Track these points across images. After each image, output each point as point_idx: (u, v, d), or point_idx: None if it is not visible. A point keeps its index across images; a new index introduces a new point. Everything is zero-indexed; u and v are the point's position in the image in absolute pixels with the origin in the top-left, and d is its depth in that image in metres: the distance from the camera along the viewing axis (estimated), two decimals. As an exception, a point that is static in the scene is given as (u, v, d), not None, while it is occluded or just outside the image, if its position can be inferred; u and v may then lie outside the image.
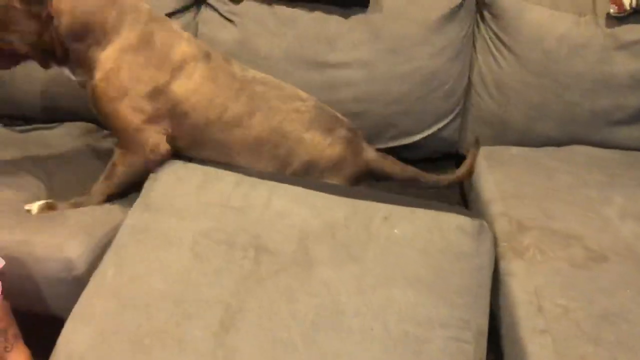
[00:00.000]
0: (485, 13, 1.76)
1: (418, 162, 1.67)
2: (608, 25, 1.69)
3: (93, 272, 1.25)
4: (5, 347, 1.16)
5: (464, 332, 1.13)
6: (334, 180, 1.46)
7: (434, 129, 1.80)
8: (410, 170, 1.57)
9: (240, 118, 1.40)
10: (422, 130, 1.80)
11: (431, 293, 1.17)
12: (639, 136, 1.72)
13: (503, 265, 1.28)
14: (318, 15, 1.73)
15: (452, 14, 1.71)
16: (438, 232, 1.26)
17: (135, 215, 1.32)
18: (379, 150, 1.58)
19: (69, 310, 1.18)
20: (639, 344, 1.06)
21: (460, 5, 1.71)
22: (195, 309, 1.14)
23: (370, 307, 1.14)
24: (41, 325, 1.22)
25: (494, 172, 1.58)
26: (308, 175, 1.45)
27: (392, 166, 1.55)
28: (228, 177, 1.36)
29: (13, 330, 1.17)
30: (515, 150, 1.70)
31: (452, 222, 1.27)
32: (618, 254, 1.28)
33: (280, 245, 1.24)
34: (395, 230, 1.26)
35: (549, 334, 1.09)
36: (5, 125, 1.80)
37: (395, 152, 1.67)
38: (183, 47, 1.38)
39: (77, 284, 1.25)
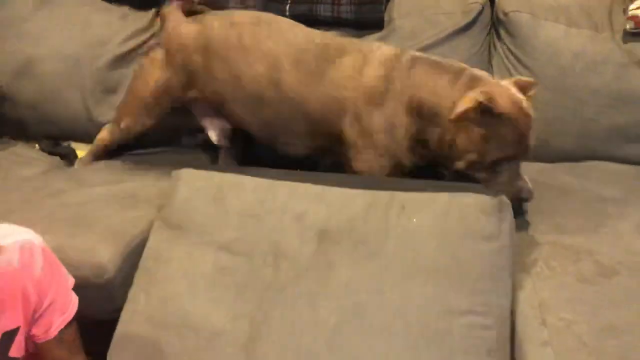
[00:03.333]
0: (501, 30, 1.78)
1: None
2: (625, 41, 1.69)
3: (122, 275, 1.33)
4: None
5: (486, 318, 1.15)
6: None
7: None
8: None
9: None
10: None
11: (451, 282, 1.17)
12: (657, 152, 1.70)
13: (514, 281, 1.27)
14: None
15: (464, 31, 1.74)
16: (456, 216, 1.24)
17: (157, 235, 1.36)
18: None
19: (99, 313, 1.26)
20: None
21: (473, 23, 1.74)
22: (222, 324, 1.19)
23: (391, 304, 1.17)
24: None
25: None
26: None
27: None
28: (244, 183, 1.37)
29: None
30: (531, 166, 1.70)
31: (471, 204, 1.25)
32: (629, 269, 1.28)
33: (299, 249, 1.26)
34: (414, 220, 1.25)
35: (550, 346, 1.09)
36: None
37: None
38: None
39: (108, 287, 1.32)
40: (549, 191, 1.57)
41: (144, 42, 1.86)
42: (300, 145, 1.62)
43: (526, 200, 1.40)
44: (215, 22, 1.62)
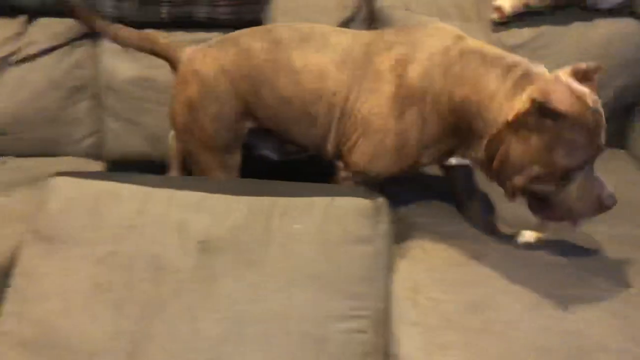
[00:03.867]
0: (379, 25, 1.81)
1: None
2: (494, 31, 1.77)
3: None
4: None
5: (361, 321, 1.18)
6: None
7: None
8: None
9: None
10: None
11: (329, 288, 1.20)
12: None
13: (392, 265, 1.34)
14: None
15: (343, 27, 1.76)
16: (335, 220, 1.27)
17: (28, 250, 1.28)
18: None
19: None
20: (503, 329, 1.14)
21: (351, 19, 1.77)
22: (101, 344, 1.15)
23: (271, 313, 1.17)
24: None
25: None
26: None
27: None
28: (120, 192, 1.32)
29: None
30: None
31: (349, 207, 1.28)
32: (497, 250, 1.36)
33: (180, 261, 1.24)
34: (295, 226, 1.26)
35: (419, 326, 1.15)
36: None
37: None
38: None
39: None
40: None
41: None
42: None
43: (610, 208, 1.18)
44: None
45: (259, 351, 1.13)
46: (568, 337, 1.12)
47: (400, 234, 1.40)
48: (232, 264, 1.23)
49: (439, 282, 1.27)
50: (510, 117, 1.14)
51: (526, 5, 1.72)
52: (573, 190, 1.16)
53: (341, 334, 1.16)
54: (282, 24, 1.53)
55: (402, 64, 1.32)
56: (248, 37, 1.47)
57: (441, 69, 1.27)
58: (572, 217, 1.20)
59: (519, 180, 1.18)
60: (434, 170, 1.54)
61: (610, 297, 1.21)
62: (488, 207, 1.50)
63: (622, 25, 1.75)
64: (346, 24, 1.77)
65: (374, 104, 1.33)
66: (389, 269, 1.29)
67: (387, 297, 1.24)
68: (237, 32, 1.52)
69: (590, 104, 1.13)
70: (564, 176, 1.15)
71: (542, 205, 1.22)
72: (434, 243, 1.39)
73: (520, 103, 1.13)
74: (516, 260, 1.33)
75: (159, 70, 1.64)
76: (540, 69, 1.20)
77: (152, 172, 1.50)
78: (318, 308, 1.18)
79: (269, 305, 1.18)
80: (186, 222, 1.27)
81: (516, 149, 1.15)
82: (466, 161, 1.35)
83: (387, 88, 1.32)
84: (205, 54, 1.47)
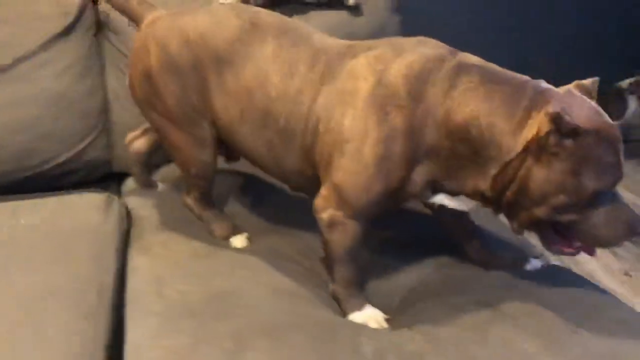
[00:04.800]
0: (106, 30, 1.79)
1: (77, 186, 1.73)
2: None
3: None
4: None
5: (86, 295, 1.20)
6: None
7: (78, 149, 1.77)
8: None
9: None
10: (65, 152, 1.75)
11: (62, 269, 1.25)
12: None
13: (130, 264, 1.33)
14: None
15: (67, 34, 1.71)
16: (66, 214, 1.42)
17: None
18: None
19: None
20: (243, 312, 1.16)
21: (74, 24, 1.72)
22: None
23: None
24: None
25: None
26: None
27: None
28: None
29: None
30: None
31: (81, 201, 1.45)
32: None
33: None
34: (22, 221, 1.36)
35: (159, 316, 1.14)
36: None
37: (49, 181, 1.72)
38: None
39: None
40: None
41: None
42: (291, 178, 1.32)
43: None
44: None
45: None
46: (301, 318, 1.15)
47: (139, 233, 1.39)
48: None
49: (184, 275, 1.27)
50: (529, 139, 1.00)
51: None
52: (601, 216, 1.03)
53: (65, 310, 1.15)
54: (266, 10, 1.36)
55: (382, 61, 1.13)
56: (226, 11, 1.32)
57: (437, 79, 1.08)
58: (597, 245, 1.08)
59: (541, 211, 1.04)
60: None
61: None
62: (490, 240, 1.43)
63: (333, 15, 1.92)
64: (70, 30, 1.72)
65: (348, 107, 1.13)
66: (122, 253, 1.36)
67: (118, 277, 1.29)
68: (218, 4, 1.38)
69: (608, 119, 1.02)
70: (592, 202, 1.02)
71: (560, 234, 1.10)
72: (175, 238, 1.39)
73: (540, 123, 0.99)
74: (259, 250, 1.38)
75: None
76: (547, 84, 1.07)
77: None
78: (41, 289, 1.19)
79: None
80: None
81: (538, 176, 1.01)
82: (456, 203, 1.18)
83: (362, 85, 1.12)
84: (171, 21, 1.32)
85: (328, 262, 1.24)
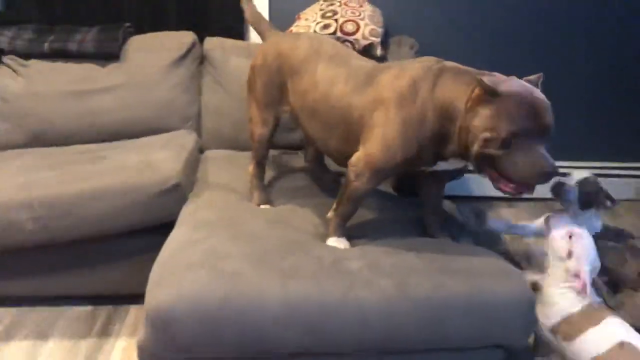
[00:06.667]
0: (206, 62, 2.59)
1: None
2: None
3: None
4: None
5: None
6: None
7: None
8: None
9: None
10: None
11: None
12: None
13: (189, 199, 2.01)
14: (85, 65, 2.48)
15: (180, 61, 2.52)
16: None
17: None
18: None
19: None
20: (241, 229, 1.74)
21: (185, 56, 2.53)
22: None
23: None
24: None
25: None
26: None
27: None
28: None
29: None
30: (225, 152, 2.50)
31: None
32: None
33: None
34: None
35: (191, 225, 1.80)
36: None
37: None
38: None
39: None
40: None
41: None
42: (334, 155, 1.84)
43: (550, 175, 1.41)
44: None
45: None
46: (284, 237, 1.72)
47: (200, 186, 2.12)
48: None
49: (211, 209, 1.87)
50: (471, 99, 1.46)
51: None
52: (517, 155, 1.40)
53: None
54: (332, 40, 1.97)
55: (397, 77, 1.63)
56: (305, 39, 1.94)
57: (424, 80, 1.57)
58: (518, 181, 1.44)
59: (475, 146, 1.44)
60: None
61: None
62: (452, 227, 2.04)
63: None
64: (183, 59, 2.52)
65: (379, 105, 1.63)
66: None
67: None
68: (305, 32, 2.13)
69: (528, 87, 1.43)
70: (509, 142, 1.40)
71: (502, 176, 1.46)
72: (220, 194, 2.08)
73: (476, 89, 1.46)
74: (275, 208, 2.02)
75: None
76: (499, 74, 1.50)
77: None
78: None
79: None
80: None
81: (472, 121, 1.44)
82: (457, 164, 1.62)
83: (387, 94, 1.62)
84: (275, 40, 1.99)
85: (340, 199, 1.74)
